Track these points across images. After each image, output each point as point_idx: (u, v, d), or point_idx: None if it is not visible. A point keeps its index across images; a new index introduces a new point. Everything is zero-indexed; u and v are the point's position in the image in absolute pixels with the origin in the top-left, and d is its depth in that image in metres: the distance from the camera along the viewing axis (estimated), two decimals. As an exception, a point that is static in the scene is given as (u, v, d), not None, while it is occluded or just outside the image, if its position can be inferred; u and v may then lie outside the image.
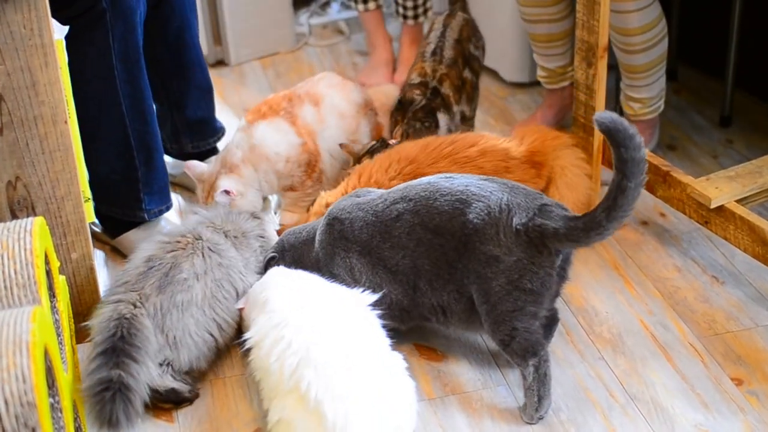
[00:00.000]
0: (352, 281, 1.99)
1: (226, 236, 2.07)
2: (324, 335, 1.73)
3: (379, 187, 2.17)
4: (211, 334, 1.96)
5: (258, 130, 2.44)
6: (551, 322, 1.98)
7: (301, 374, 1.67)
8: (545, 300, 1.87)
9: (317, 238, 2.05)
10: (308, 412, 1.65)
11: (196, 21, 2.55)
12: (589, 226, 1.76)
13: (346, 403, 1.64)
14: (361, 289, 1.93)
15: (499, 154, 2.22)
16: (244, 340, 1.82)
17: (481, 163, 2.20)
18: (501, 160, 2.21)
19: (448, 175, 1.98)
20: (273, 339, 1.75)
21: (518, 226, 1.81)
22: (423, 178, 2.00)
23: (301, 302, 1.82)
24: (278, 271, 1.97)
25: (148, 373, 1.83)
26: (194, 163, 2.46)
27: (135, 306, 1.86)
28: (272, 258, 2.09)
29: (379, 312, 1.83)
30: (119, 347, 1.79)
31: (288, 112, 2.47)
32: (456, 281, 1.89)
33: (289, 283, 1.89)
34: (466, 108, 2.68)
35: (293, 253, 2.09)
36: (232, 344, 2.07)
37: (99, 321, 1.84)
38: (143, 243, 2.05)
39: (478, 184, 1.90)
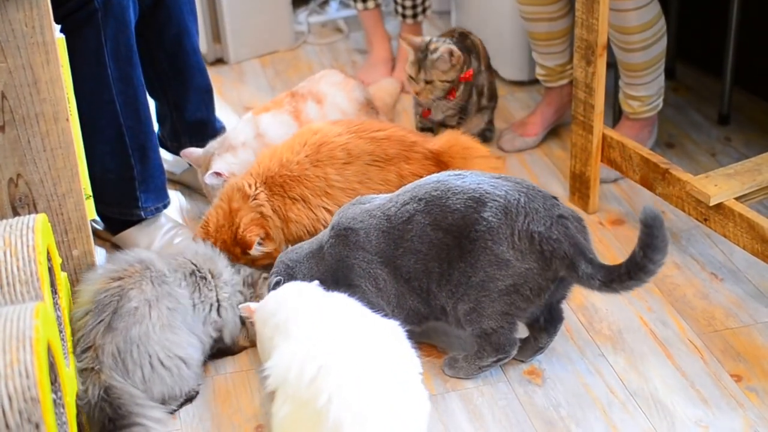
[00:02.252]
0: (376, 291, 1.95)
1: (191, 274, 1.98)
2: (346, 353, 1.65)
3: (289, 164, 2.21)
4: (179, 357, 1.89)
5: (263, 121, 2.46)
6: (556, 321, 1.98)
7: (320, 387, 1.59)
8: (535, 307, 1.90)
9: (328, 250, 1.99)
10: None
11: (195, 26, 2.54)
12: (584, 277, 1.82)
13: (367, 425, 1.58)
14: (386, 301, 1.93)
15: (404, 144, 2.27)
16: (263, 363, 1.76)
17: (384, 145, 2.26)
18: (404, 149, 2.26)
19: (458, 172, 1.96)
20: (292, 350, 1.67)
21: (534, 233, 1.82)
22: (432, 176, 1.98)
23: (323, 322, 1.74)
24: (296, 290, 1.87)
25: (158, 412, 1.81)
26: (190, 150, 2.48)
27: (99, 373, 1.78)
28: (277, 282, 1.98)
29: (400, 322, 1.79)
30: (112, 430, 1.74)
31: (291, 108, 2.49)
32: (453, 281, 1.88)
33: (311, 306, 1.80)
34: (486, 81, 2.75)
35: (300, 269, 2.02)
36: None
37: (81, 401, 1.77)
38: (88, 274, 1.95)
39: (492, 182, 1.89)
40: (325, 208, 2.22)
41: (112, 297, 1.85)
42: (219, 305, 1.99)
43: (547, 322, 1.96)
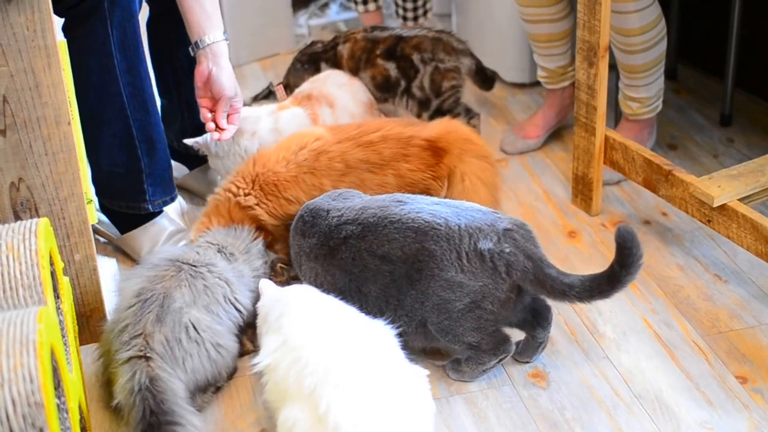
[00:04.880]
0: (302, 276, 2.03)
1: (219, 251, 2.03)
2: (342, 357, 1.67)
3: (285, 163, 2.21)
4: (222, 345, 1.92)
5: (283, 118, 2.46)
6: (544, 311, 1.96)
7: (320, 396, 1.61)
8: (505, 315, 1.90)
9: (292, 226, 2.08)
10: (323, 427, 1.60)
11: None
12: (554, 292, 1.83)
13: (366, 427, 1.59)
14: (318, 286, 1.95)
15: (400, 142, 2.25)
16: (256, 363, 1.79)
17: (381, 149, 2.24)
18: (401, 148, 2.25)
19: (399, 198, 1.97)
20: (290, 360, 1.70)
21: (484, 251, 1.82)
22: (378, 200, 1.99)
23: (317, 325, 1.76)
24: (293, 290, 1.91)
25: (196, 419, 1.80)
26: (195, 139, 2.45)
27: (147, 359, 1.79)
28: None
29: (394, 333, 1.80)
30: (155, 423, 1.73)
31: (310, 111, 2.49)
32: (406, 306, 1.89)
33: (306, 304, 1.84)
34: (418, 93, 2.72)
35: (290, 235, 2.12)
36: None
37: (123, 395, 1.78)
38: (128, 280, 1.97)
39: (430, 210, 1.89)
40: None
41: (158, 296, 1.88)
42: (253, 276, 2.05)
43: (535, 318, 1.95)
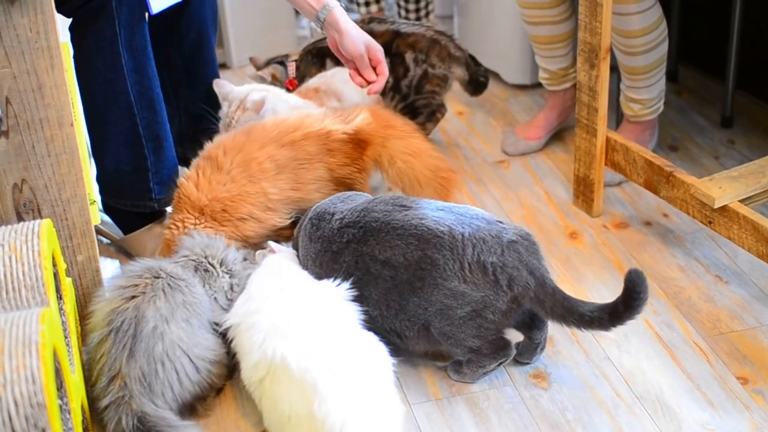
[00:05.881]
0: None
1: (196, 269, 1.99)
2: (295, 314, 1.80)
3: (223, 185, 2.18)
4: (209, 359, 1.90)
5: (299, 102, 2.48)
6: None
7: (267, 344, 1.76)
8: (506, 324, 1.90)
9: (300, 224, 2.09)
10: (278, 376, 1.72)
11: (215, 37, 2.54)
12: (553, 315, 1.83)
13: (310, 354, 1.71)
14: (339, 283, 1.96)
15: (321, 138, 2.26)
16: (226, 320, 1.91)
17: (305, 146, 2.24)
18: (323, 144, 2.25)
19: (402, 203, 1.95)
20: (247, 324, 1.83)
21: (486, 264, 1.82)
22: (380, 202, 1.97)
23: (275, 289, 1.87)
24: (269, 263, 1.99)
25: (193, 430, 1.80)
26: (224, 82, 2.48)
27: (130, 403, 1.76)
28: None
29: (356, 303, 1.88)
30: None
31: (319, 102, 2.50)
32: (408, 311, 1.89)
33: (272, 273, 1.94)
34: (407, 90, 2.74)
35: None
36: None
37: None
38: (103, 295, 1.92)
39: (434, 217, 1.88)
40: (271, 222, 2.22)
41: (130, 321, 1.82)
42: (231, 288, 2.02)
43: (531, 320, 1.95)
